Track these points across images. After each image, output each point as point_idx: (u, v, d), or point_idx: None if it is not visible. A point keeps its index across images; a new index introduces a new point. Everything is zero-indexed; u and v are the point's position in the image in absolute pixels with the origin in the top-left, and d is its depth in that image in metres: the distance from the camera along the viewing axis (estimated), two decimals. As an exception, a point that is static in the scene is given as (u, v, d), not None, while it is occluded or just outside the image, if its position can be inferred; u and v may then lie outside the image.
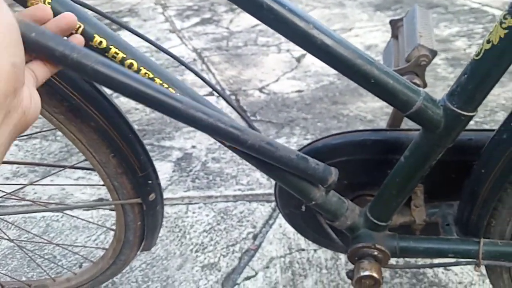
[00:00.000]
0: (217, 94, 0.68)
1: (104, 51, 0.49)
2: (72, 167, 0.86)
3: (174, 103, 0.45)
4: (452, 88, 0.49)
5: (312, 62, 2.09)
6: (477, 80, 0.47)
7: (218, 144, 1.55)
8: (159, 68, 0.52)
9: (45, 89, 0.59)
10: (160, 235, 1.18)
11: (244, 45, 2.35)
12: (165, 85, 0.52)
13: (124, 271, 1.08)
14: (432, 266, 0.67)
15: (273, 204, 1.29)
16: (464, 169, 0.61)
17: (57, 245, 1.16)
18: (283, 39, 2.38)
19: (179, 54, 2.25)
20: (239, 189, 1.35)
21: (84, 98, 0.60)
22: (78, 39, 0.42)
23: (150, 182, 0.73)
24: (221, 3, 3.04)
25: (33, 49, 0.37)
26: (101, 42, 0.49)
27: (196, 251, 1.14)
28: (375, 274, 0.61)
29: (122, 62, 0.50)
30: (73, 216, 1.22)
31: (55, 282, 0.98)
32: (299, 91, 1.86)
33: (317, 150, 0.64)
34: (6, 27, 0.29)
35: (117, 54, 0.50)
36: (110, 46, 0.49)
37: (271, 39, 2.38)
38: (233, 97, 1.86)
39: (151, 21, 2.81)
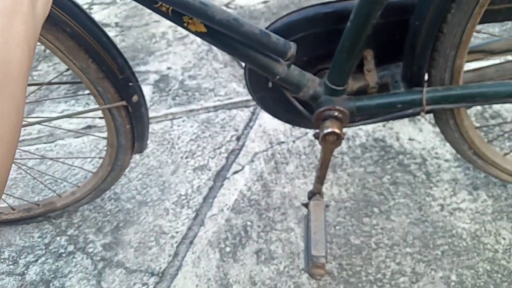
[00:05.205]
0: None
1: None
2: (56, 83, 0.92)
3: None
4: None
5: (275, -28, 2.08)
6: None
7: (193, 62, 1.61)
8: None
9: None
10: (150, 148, 1.27)
11: (205, -36, 2.31)
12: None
13: (123, 182, 1.19)
14: (384, 120, 0.77)
15: (251, 108, 1.38)
16: (405, 29, 0.69)
17: (56, 160, 1.25)
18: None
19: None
20: (218, 100, 1.43)
21: (56, 4, 0.65)
22: None
23: (131, 84, 0.80)
24: None
25: None
26: None
27: (186, 158, 1.24)
28: (336, 130, 0.71)
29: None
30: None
31: (62, 198, 1.09)
32: (265, 1, 1.88)
33: (276, 29, 0.71)
34: None
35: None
36: None
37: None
38: (200, 16, 1.87)
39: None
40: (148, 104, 1.45)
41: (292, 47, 0.67)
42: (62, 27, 0.67)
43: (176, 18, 0.62)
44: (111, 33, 1.84)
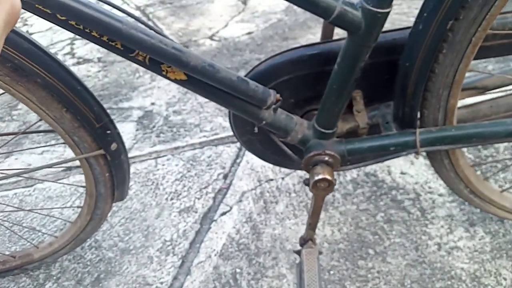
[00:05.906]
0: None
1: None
2: (30, 132, 0.87)
3: (115, 23, 0.47)
4: (367, -11, 0.53)
5: (259, 2, 2.09)
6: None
7: (178, 97, 1.58)
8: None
9: (-17, 53, 0.60)
10: (134, 190, 1.22)
11: (188, -4, 2.31)
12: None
13: (104, 228, 1.13)
14: (377, 162, 0.74)
15: (238, 144, 1.33)
16: (395, 69, 0.67)
17: (30, 211, 1.18)
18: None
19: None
20: (204, 136, 1.39)
21: (25, 56, 0.60)
22: None
23: (109, 132, 0.75)
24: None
25: None
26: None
27: (171, 199, 1.19)
28: (328, 176, 0.67)
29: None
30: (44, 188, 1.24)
31: (39, 249, 1.02)
32: (249, 33, 1.87)
33: (260, 73, 0.68)
34: None
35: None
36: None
37: (214, -14, 2.34)
38: (184, 50, 1.85)
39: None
40: (132, 142, 1.40)
41: (272, 95, 0.63)
42: (33, 78, 0.63)
43: (154, 67, 0.58)
44: (93, 68, 1.81)
